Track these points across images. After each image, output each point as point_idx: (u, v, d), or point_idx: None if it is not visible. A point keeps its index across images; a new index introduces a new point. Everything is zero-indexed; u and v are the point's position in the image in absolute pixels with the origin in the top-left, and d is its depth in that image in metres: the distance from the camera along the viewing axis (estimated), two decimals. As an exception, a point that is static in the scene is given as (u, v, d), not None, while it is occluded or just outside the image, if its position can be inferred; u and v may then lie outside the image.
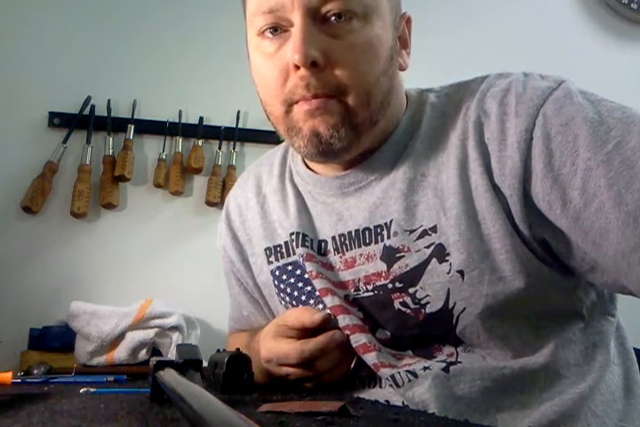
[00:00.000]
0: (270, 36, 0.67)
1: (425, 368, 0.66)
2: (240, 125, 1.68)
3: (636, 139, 0.57)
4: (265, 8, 0.66)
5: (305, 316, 0.69)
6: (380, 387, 0.70)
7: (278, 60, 0.66)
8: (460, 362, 0.66)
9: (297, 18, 0.64)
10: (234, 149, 1.68)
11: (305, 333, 0.70)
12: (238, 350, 0.67)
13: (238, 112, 1.68)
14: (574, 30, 2.02)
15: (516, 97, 0.64)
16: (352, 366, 0.72)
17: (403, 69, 0.74)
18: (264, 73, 0.69)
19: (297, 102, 0.66)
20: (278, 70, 0.66)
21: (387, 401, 0.67)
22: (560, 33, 1.98)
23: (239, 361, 0.65)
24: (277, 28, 0.67)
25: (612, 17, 2.06)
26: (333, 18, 0.65)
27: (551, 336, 0.66)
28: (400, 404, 0.66)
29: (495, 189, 0.64)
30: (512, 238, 0.63)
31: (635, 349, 0.75)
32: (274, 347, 0.71)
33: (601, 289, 0.69)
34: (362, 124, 0.68)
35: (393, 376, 0.66)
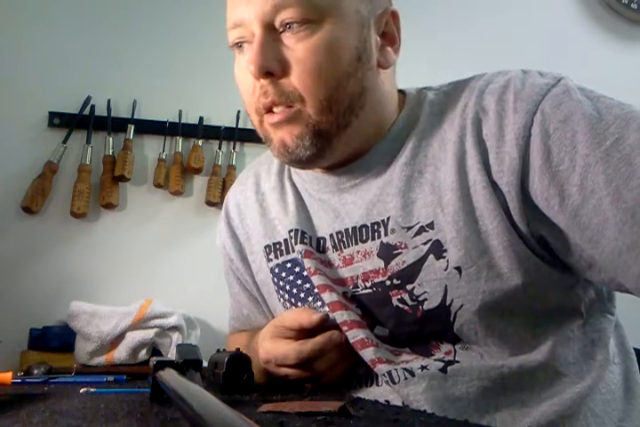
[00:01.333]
0: (242, 49, 0.70)
1: (422, 368, 0.66)
2: (240, 125, 1.68)
3: (634, 136, 0.57)
4: (231, 24, 0.70)
5: (303, 317, 0.69)
6: (377, 385, 0.70)
7: (248, 72, 0.68)
8: (457, 361, 0.66)
9: (256, 30, 0.67)
10: (234, 149, 1.68)
11: (303, 333, 0.70)
12: (238, 350, 0.67)
13: (238, 112, 1.68)
14: (574, 30, 2.02)
15: (514, 94, 0.64)
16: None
17: (385, 67, 0.72)
18: (240, 84, 0.72)
19: (266, 112, 0.69)
20: (249, 81, 0.69)
21: (387, 401, 0.67)
22: (560, 33, 1.98)
23: (239, 361, 0.65)
24: (243, 43, 0.70)
25: (612, 17, 2.06)
26: (288, 26, 0.66)
27: (549, 334, 0.66)
28: (400, 404, 0.66)
29: (493, 186, 0.64)
30: (510, 235, 0.63)
31: (635, 349, 0.75)
32: (272, 348, 0.71)
33: (599, 287, 0.69)
34: (328, 130, 0.68)
35: (390, 373, 0.66)
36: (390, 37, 0.73)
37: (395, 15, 0.74)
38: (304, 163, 0.71)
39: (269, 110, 0.69)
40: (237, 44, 0.70)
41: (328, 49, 0.67)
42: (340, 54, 0.67)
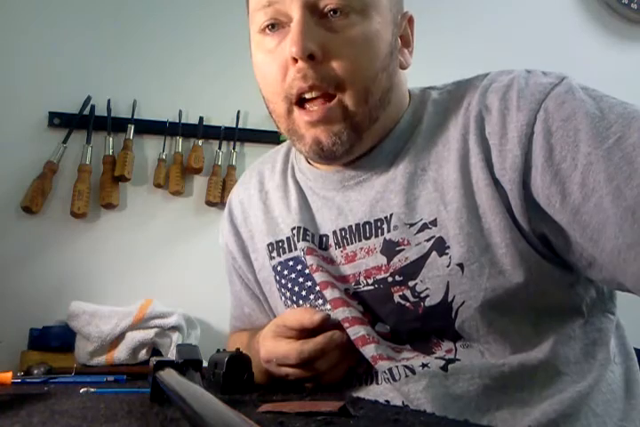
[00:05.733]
0: (270, 33, 0.68)
1: (423, 365, 0.66)
2: (240, 125, 1.68)
3: (636, 135, 0.57)
4: (265, 1, 0.67)
5: (304, 316, 0.69)
6: (377, 383, 0.70)
7: (278, 56, 0.67)
8: (458, 359, 0.66)
9: (295, 11, 0.65)
10: (234, 149, 1.68)
11: (304, 333, 0.70)
12: (238, 350, 0.67)
13: (238, 112, 1.68)
14: (574, 30, 2.02)
15: (517, 92, 0.64)
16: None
17: (404, 68, 0.74)
18: (265, 69, 0.70)
19: (297, 100, 0.67)
20: (278, 65, 0.67)
21: (387, 401, 0.67)
22: (560, 33, 1.98)
23: (239, 361, 0.65)
24: (275, 25, 0.67)
25: (612, 17, 2.06)
26: (331, 12, 0.66)
27: (550, 332, 0.66)
28: (400, 403, 0.66)
29: (496, 183, 0.64)
30: (512, 232, 0.63)
31: (635, 349, 0.75)
32: (273, 347, 0.71)
33: (601, 286, 0.69)
34: (361, 122, 0.68)
35: (390, 370, 0.66)
36: (406, 40, 0.75)
37: (411, 20, 0.76)
38: (334, 159, 0.71)
39: (301, 97, 0.67)
40: (269, 25, 0.68)
41: (371, 40, 0.67)
42: (380, 47, 0.68)
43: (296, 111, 0.68)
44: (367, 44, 0.67)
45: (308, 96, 0.67)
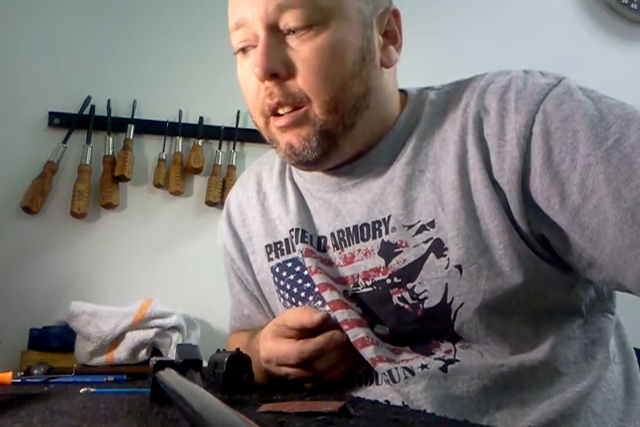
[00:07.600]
0: (245, 54, 0.71)
1: (423, 366, 0.66)
2: (240, 125, 1.68)
3: (635, 135, 0.57)
4: (234, 24, 0.70)
5: (304, 316, 0.69)
6: (377, 384, 0.70)
7: (253, 74, 0.68)
8: (458, 360, 0.66)
9: (259, 31, 0.67)
10: (234, 149, 1.68)
11: (304, 333, 0.70)
12: (238, 350, 0.67)
13: (238, 112, 1.68)
14: (574, 30, 2.02)
15: (515, 93, 0.64)
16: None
17: (388, 66, 0.73)
18: (244, 86, 0.72)
19: (271, 114, 0.69)
20: (253, 83, 0.69)
21: (387, 401, 0.67)
22: (560, 33, 1.98)
23: (239, 361, 0.65)
24: (247, 48, 0.70)
25: (612, 17, 2.06)
26: (292, 29, 0.66)
27: (550, 333, 0.66)
28: (400, 404, 0.66)
29: (494, 185, 0.64)
30: (510, 234, 0.63)
31: (635, 349, 0.75)
32: (273, 347, 0.71)
33: (600, 286, 0.69)
34: (334, 130, 0.69)
35: (390, 371, 0.66)
36: (392, 36, 0.74)
37: (396, 14, 0.75)
38: (311, 164, 0.72)
39: (275, 112, 0.69)
40: (242, 49, 0.70)
41: (333, 50, 0.67)
42: (345, 55, 0.68)
43: (272, 120, 0.70)
44: (330, 54, 0.67)
45: (281, 111, 0.69)
